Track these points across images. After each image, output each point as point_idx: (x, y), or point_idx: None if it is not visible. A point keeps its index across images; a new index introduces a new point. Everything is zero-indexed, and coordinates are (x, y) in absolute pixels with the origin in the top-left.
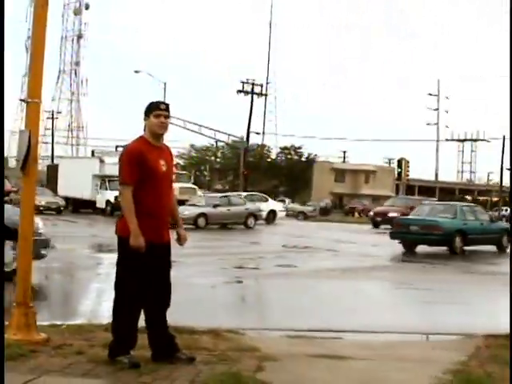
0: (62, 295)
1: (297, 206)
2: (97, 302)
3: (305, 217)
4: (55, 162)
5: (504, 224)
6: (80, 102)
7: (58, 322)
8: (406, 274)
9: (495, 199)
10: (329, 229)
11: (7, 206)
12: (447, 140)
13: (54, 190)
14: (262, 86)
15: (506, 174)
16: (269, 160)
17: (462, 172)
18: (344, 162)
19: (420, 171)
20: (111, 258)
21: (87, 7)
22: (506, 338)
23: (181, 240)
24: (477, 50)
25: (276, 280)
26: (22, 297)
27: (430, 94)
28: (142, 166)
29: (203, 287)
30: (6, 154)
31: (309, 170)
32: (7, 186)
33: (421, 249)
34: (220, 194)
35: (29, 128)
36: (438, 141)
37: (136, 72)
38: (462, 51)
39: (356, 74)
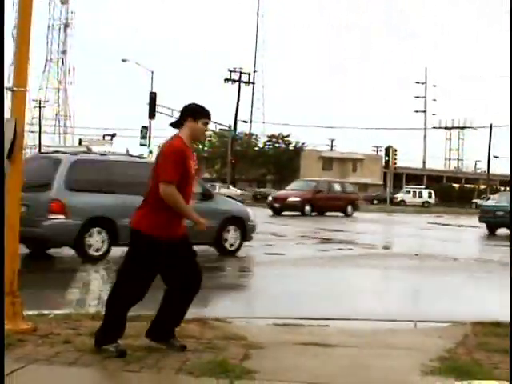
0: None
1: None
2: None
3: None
4: (43, 151)
5: None
6: (67, 91)
7: (46, 312)
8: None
9: (482, 187)
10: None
11: None
12: (434, 128)
13: None
14: (249, 74)
15: (493, 161)
16: (256, 148)
17: (450, 160)
18: (332, 150)
19: (408, 159)
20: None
21: None
22: (493, 326)
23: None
24: (477, 50)
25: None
26: (9, 286)
27: (418, 82)
28: (183, 165)
29: None
30: None
31: (296, 159)
32: None
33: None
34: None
35: (15, 117)
36: (425, 128)
37: (123, 61)
38: (462, 51)
39: (356, 74)
